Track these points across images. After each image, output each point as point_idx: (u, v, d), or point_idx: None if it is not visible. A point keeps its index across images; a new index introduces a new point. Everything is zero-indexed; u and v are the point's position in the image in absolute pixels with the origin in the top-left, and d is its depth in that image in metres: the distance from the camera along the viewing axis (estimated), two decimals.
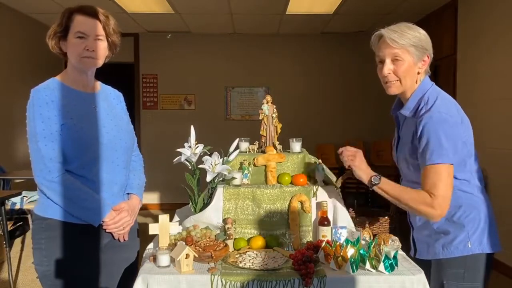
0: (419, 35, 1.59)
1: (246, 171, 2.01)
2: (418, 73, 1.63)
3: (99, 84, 1.79)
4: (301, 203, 1.92)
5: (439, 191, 1.50)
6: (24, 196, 4.35)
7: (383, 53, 1.62)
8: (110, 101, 1.79)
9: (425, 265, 1.68)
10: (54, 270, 1.59)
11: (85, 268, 1.63)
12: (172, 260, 1.61)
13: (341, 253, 1.59)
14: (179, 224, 1.88)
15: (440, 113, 1.53)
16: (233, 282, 1.52)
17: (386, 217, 1.98)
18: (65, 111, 1.58)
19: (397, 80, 1.62)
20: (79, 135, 1.59)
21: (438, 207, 1.51)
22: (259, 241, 1.86)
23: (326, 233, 1.82)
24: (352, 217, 2.04)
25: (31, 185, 5.27)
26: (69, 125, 1.58)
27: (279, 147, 2.15)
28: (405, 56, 1.58)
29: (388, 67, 1.61)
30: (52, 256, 1.59)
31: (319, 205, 1.90)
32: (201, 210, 1.93)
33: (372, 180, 1.61)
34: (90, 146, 1.62)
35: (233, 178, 1.95)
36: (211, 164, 1.91)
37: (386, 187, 1.61)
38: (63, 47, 1.65)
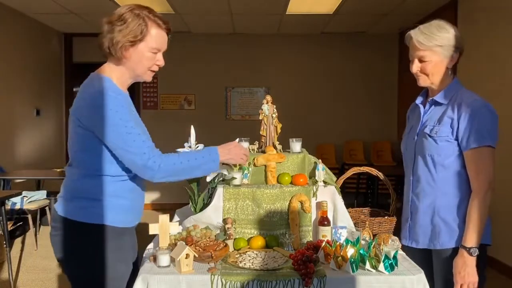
0: (448, 35, 1.64)
1: (246, 171, 2.01)
2: (447, 68, 1.70)
3: None
4: (301, 203, 1.92)
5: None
6: (24, 196, 4.36)
7: (411, 54, 1.71)
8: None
9: (418, 255, 1.72)
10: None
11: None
12: (172, 260, 1.61)
13: (341, 253, 1.59)
14: (179, 224, 1.88)
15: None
16: (233, 282, 1.52)
17: (386, 217, 1.98)
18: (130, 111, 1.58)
19: (426, 75, 1.70)
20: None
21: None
22: (259, 241, 1.86)
23: (326, 233, 1.82)
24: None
25: (31, 185, 5.29)
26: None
27: (279, 147, 2.15)
28: (431, 57, 1.65)
29: (416, 66, 1.70)
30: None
31: (319, 205, 1.90)
32: (201, 210, 1.93)
33: (472, 253, 1.57)
34: None
35: (233, 178, 1.95)
36: None
37: (477, 237, 1.58)
38: (125, 52, 1.52)
